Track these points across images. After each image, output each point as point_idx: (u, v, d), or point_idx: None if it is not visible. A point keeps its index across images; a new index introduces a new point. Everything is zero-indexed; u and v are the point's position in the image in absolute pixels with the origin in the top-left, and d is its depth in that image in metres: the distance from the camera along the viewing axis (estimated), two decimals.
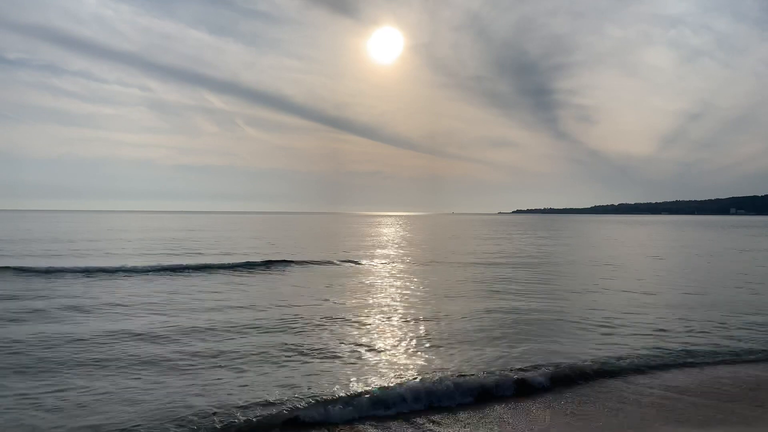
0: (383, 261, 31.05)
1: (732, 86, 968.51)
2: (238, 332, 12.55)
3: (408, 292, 19.24)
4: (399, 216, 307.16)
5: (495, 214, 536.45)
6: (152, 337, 11.95)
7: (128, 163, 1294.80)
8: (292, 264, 28.34)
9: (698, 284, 22.17)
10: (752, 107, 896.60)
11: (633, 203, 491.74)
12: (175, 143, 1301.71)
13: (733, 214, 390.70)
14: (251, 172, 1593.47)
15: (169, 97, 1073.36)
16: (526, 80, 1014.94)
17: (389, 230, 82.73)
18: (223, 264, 27.33)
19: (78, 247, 38.01)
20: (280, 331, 12.68)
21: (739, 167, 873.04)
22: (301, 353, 10.77)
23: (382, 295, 18.52)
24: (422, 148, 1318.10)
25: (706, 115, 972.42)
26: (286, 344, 11.45)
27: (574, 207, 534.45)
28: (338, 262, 29.64)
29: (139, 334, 12.19)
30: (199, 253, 34.45)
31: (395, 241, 51.97)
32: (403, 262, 30.74)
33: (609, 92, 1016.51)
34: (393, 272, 25.71)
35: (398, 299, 17.55)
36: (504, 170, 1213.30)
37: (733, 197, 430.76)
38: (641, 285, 21.67)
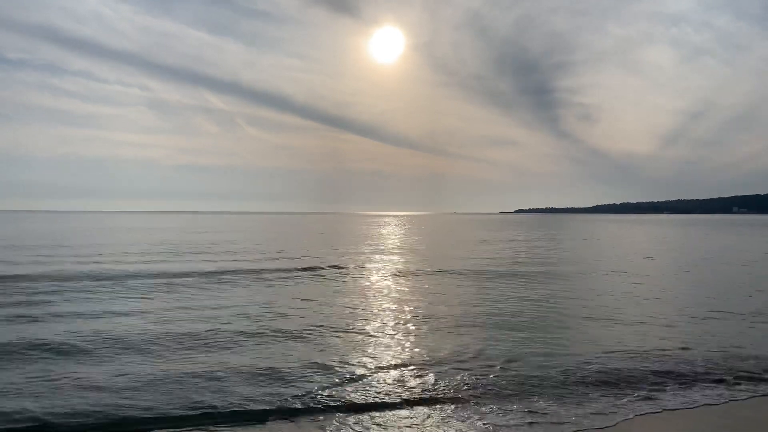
0: (386, 269, 29.33)
1: (733, 84, 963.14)
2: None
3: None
4: (400, 216, 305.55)
5: (497, 214, 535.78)
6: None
7: (129, 162, 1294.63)
8: (270, 271, 26.69)
9: None
10: (754, 105, 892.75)
11: (635, 202, 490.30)
12: (175, 143, 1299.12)
13: (735, 212, 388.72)
14: (252, 172, 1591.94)
15: (169, 96, 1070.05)
16: (527, 79, 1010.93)
17: (388, 230, 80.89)
18: (220, 269, 25.77)
19: (82, 252, 36.38)
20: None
21: (741, 166, 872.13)
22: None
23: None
24: (423, 147, 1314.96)
25: (708, 114, 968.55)
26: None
27: (575, 206, 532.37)
28: (335, 269, 27.92)
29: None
30: (191, 259, 32.87)
31: (396, 245, 50.27)
32: (412, 271, 28.99)
33: (610, 91, 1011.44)
34: (409, 284, 24.01)
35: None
36: (505, 169, 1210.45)
37: (735, 196, 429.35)
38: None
